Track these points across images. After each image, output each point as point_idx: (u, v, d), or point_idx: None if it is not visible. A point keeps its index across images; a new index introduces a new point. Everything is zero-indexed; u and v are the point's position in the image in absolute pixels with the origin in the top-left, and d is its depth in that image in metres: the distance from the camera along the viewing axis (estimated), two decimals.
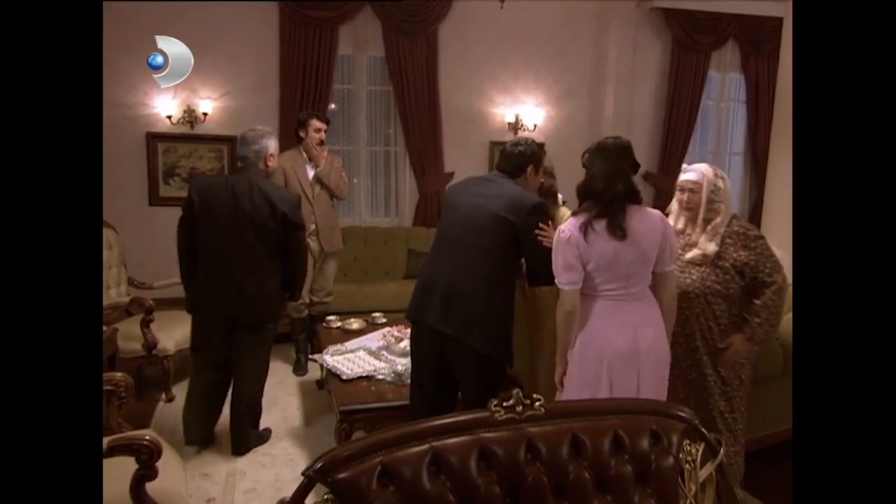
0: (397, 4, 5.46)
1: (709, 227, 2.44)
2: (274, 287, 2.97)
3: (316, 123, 4.01)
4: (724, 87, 6.64)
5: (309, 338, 4.17)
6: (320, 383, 3.79)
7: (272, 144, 2.98)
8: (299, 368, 4.18)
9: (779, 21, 5.04)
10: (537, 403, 1.47)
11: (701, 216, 2.45)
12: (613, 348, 2.14)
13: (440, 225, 2.58)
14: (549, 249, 2.24)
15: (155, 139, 5.27)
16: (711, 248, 2.43)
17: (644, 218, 2.15)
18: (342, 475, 1.31)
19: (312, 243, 4.03)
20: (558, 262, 2.16)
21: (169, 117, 5.22)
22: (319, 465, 1.32)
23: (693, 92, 6.32)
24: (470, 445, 1.40)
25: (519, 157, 2.48)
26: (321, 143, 4.02)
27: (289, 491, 1.34)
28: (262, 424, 3.26)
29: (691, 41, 6.22)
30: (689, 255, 2.47)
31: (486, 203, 2.39)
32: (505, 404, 1.45)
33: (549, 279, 2.25)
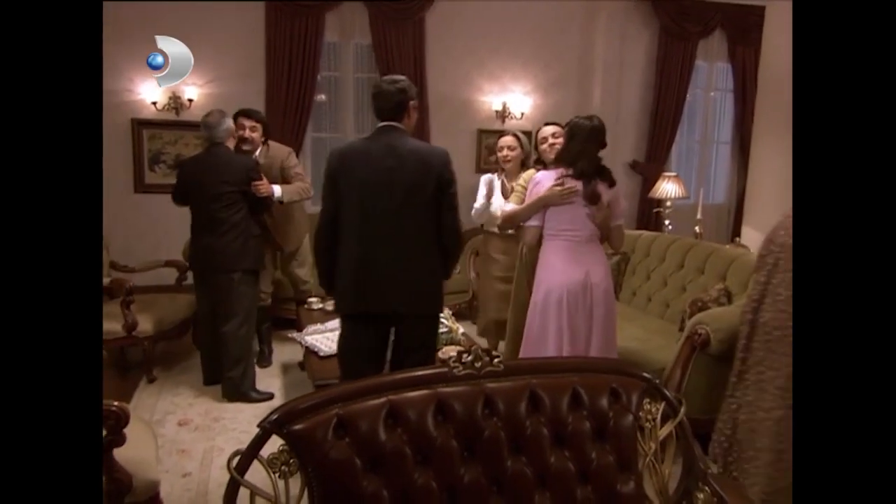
0: None
1: None
2: (234, 240, 3.34)
3: (239, 120, 3.60)
4: (712, 76, 6.66)
5: (270, 329, 4.05)
6: (302, 364, 3.79)
7: (231, 124, 3.46)
8: (263, 360, 3.95)
9: (764, 10, 5.06)
10: (496, 360, 1.48)
11: None
12: (570, 279, 2.58)
13: (350, 203, 2.31)
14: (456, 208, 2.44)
15: (140, 126, 5.25)
16: None
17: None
18: (298, 427, 1.32)
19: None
20: (529, 201, 2.68)
21: (154, 103, 5.21)
22: (275, 416, 1.33)
23: (680, 81, 6.33)
24: (427, 400, 1.41)
25: (400, 95, 2.31)
26: (244, 140, 3.57)
27: None
28: (243, 403, 3.38)
29: (679, 30, 6.23)
30: None
31: (400, 173, 2.27)
32: (464, 360, 1.46)
33: (460, 246, 2.52)
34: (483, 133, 5.99)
